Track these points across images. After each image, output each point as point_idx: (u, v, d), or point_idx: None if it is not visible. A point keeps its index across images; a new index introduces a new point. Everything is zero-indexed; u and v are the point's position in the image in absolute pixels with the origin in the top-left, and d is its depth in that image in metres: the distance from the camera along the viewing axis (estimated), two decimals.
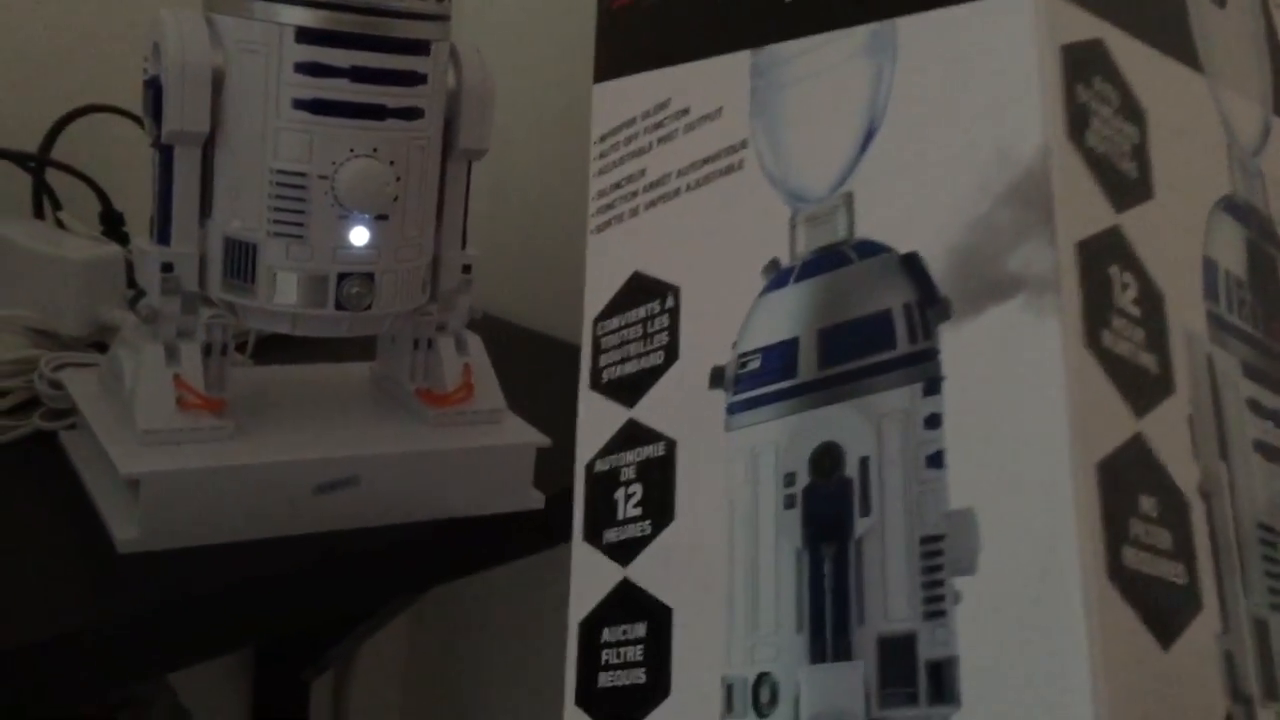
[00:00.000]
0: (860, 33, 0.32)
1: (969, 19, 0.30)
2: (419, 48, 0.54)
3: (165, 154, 0.53)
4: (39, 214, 0.74)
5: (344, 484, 0.54)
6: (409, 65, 0.53)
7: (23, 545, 0.52)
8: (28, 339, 0.66)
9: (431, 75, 0.55)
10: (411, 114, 0.54)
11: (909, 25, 0.31)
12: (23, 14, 0.78)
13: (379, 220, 0.54)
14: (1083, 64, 0.29)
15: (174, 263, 0.54)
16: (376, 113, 0.53)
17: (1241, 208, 0.33)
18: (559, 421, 0.66)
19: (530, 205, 0.98)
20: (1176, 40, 0.32)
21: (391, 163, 0.54)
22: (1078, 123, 0.28)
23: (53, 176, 0.75)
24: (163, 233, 0.54)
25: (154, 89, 0.52)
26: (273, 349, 0.72)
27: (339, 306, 0.54)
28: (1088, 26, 0.30)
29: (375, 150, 0.53)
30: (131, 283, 0.56)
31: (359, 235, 0.54)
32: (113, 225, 0.76)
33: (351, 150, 0.53)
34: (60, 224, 0.72)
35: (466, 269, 0.62)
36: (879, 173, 0.31)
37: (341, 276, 0.54)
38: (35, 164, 0.73)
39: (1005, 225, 0.28)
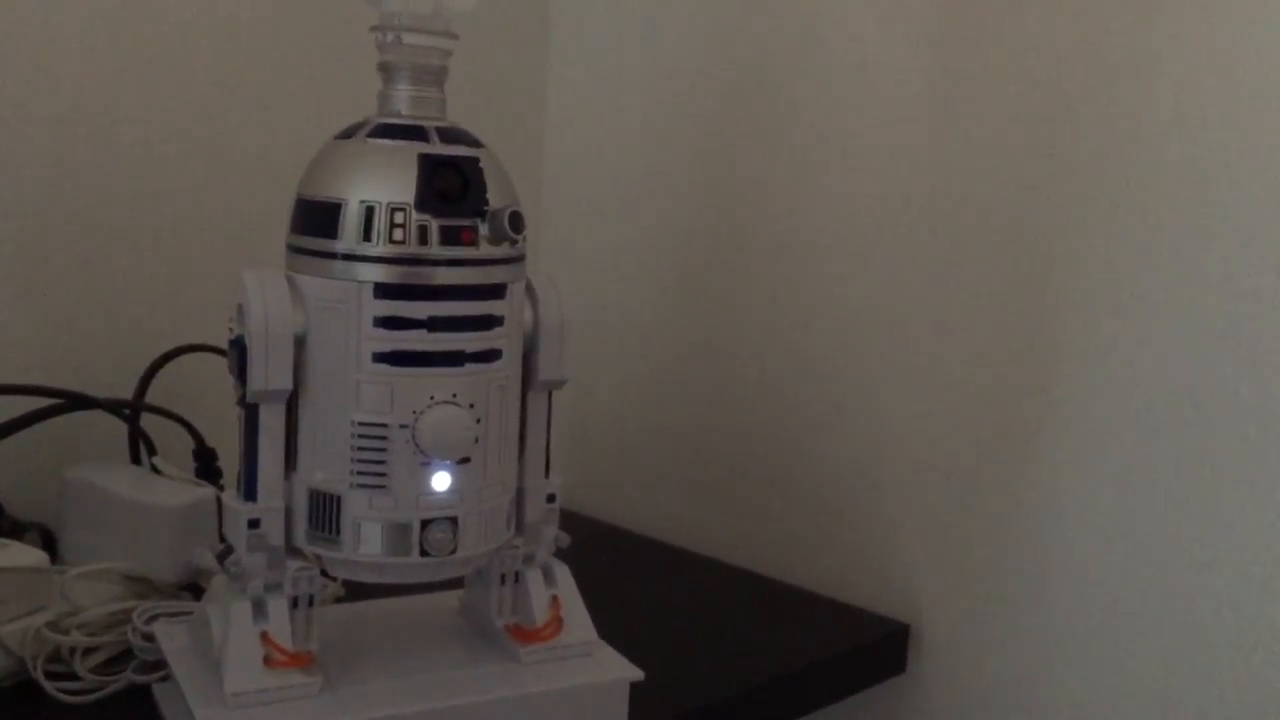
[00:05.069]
0: None
1: None
2: (495, 292, 0.54)
3: (251, 412, 0.53)
4: (135, 459, 0.75)
5: None
6: (486, 310, 0.54)
7: None
8: (122, 588, 0.66)
9: (508, 316, 0.55)
10: (490, 356, 0.54)
11: None
12: (103, 264, 0.81)
13: (461, 464, 0.54)
14: None
15: (260, 518, 0.54)
16: (455, 359, 0.53)
17: None
18: (649, 637, 0.66)
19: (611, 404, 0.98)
20: None
21: (471, 405, 0.54)
22: None
23: (147, 417, 0.76)
24: (249, 489, 0.54)
25: (239, 350, 0.53)
26: None
27: (423, 553, 0.54)
28: None
29: (455, 395, 0.53)
30: (222, 533, 0.56)
31: (441, 481, 0.54)
32: (206, 462, 0.77)
33: (432, 398, 0.53)
34: (155, 469, 0.74)
35: (551, 498, 0.61)
36: None
37: (425, 523, 0.54)
38: (130, 411, 0.75)
39: None
